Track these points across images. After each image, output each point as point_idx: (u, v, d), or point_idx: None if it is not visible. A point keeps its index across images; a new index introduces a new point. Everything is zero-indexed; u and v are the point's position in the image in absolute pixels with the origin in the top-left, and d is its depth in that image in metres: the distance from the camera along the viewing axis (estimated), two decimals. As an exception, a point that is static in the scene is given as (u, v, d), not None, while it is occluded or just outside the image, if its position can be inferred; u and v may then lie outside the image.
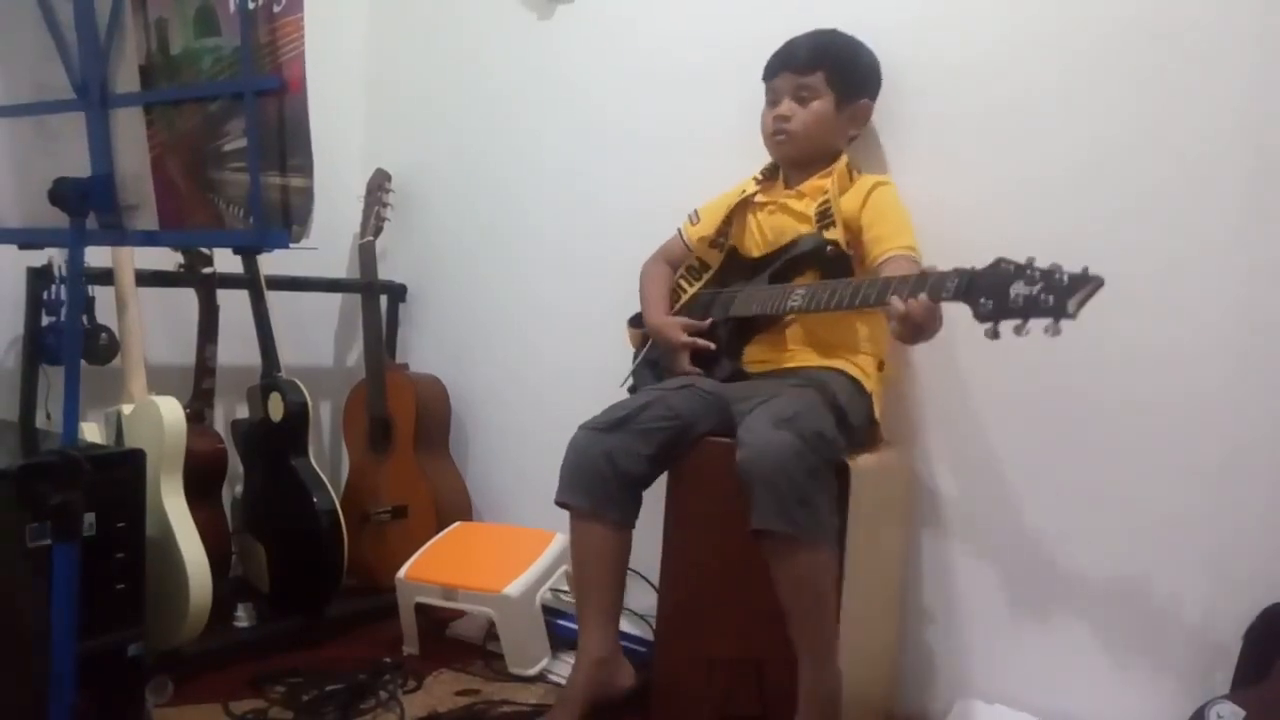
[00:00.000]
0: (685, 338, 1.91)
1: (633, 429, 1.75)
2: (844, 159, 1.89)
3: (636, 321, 2.11)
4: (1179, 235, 1.73)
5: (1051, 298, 1.34)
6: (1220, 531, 1.70)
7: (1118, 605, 1.79)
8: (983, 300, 1.41)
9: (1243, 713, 1.55)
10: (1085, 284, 1.33)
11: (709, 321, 1.92)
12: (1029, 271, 1.38)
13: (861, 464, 1.72)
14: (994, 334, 1.39)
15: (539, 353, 2.59)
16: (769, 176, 1.99)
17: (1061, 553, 1.84)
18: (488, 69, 2.68)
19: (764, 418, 1.59)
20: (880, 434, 1.89)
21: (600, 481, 1.74)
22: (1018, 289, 1.37)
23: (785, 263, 1.86)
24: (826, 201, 1.84)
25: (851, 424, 1.70)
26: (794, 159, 1.93)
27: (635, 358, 2.10)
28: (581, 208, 2.51)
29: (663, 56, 2.35)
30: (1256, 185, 1.67)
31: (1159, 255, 1.74)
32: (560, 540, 2.20)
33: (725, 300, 1.92)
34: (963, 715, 1.86)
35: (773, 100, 1.92)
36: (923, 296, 1.47)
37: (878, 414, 1.85)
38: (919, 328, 1.50)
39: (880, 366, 1.88)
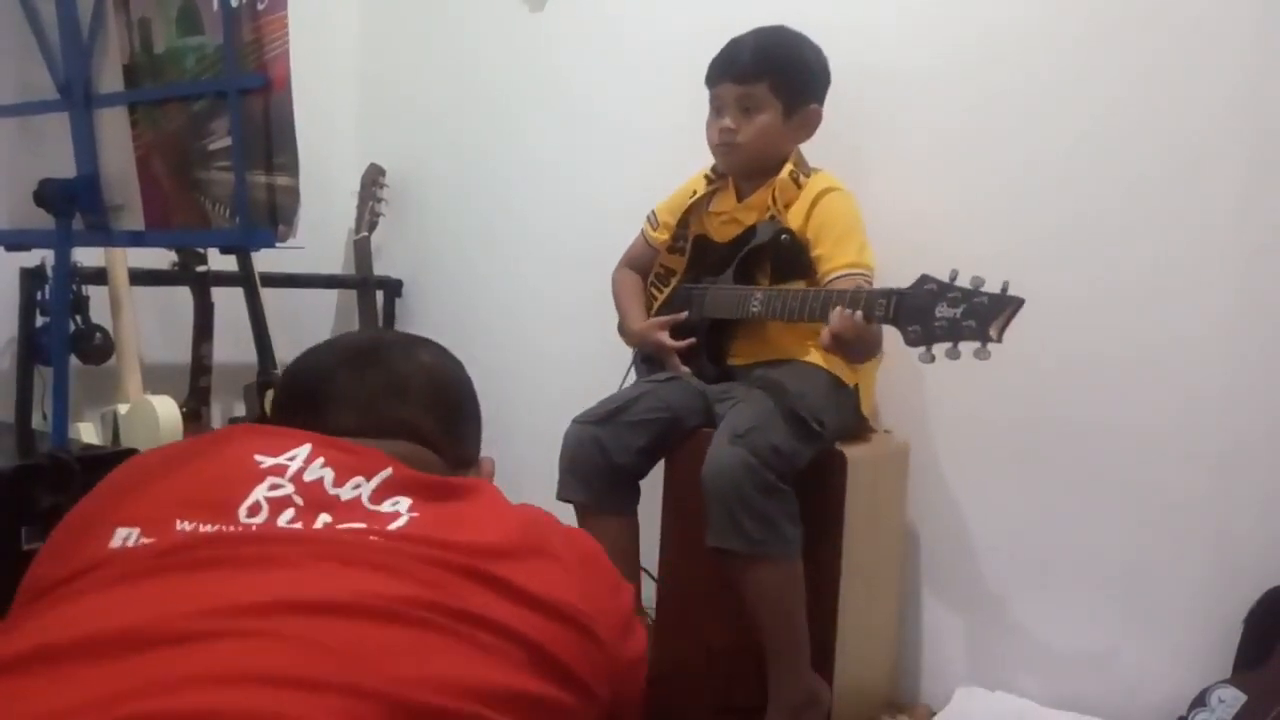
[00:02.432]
0: (668, 340, 1.87)
1: (624, 421, 1.74)
2: (787, 167, 1.79)
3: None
4: (1176, 224, 1.71)
5: (974, 322, 1.31)
6: (1221, 516, 1.69)
7: (1118, 590, 1.78)
8: (911, 327, 1.37)
9: (1244, 696, 1.55)
10: (1005, 306, 1.29)
11: (684, 315, 1.87)
12: (951, 293, 1.33)
13: (857, 454, 1.71)
14: (928, 358, 1.35)
15: (536, 346, 2.58)
16: (721, 175, 1.90)
17: (1061, 538, 1.84)
18: (480, 62, 2.66)
19: (723, 431, 1.59)
20: (870, 424, 1.88)
21: (596, 473, 1.74)
22: (941, 311, 1.33)
23: (747, 253, 1.81)
24: (774, 218, 1.80)
25: (819, 429, 1.64)
26: (741, 171, 1.86)
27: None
28: (576, 201, 2.49)
29: (655, 49, 2.33)
30: (1254, 172, 1.65)
31: (1157, 244, 1.73)
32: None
33: (699, 298, 1.87)
34: (964, 702, 1.86)
35: (716, 109, 1.80)
36: (857, 315, 1.43)
37: (866, 406, 1.83)
38: (850, 346, 1.48)
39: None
